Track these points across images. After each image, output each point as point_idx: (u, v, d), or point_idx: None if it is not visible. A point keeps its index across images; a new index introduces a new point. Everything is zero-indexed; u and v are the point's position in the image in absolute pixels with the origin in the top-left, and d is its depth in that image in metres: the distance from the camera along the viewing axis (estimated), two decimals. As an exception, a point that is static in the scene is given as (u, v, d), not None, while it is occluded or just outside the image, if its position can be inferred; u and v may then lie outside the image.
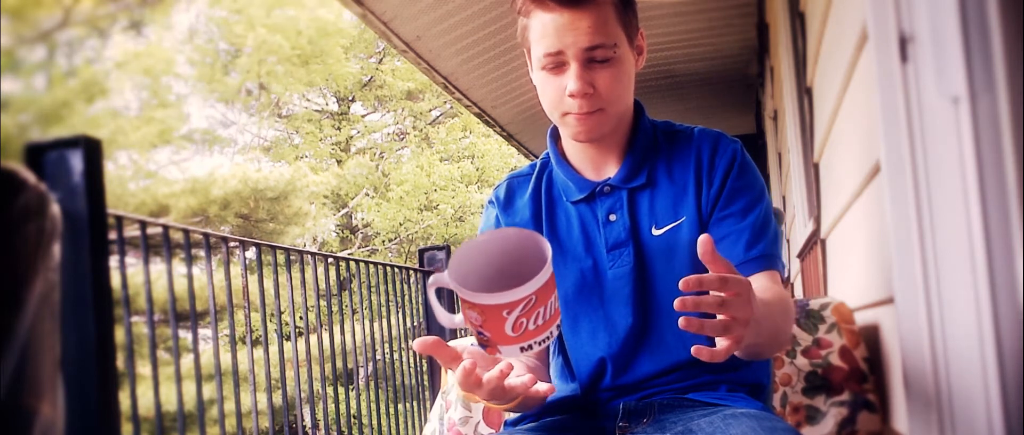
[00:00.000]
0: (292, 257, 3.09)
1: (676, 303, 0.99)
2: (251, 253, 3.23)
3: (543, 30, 1.31)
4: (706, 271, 1.35)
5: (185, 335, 9.54)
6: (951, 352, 1.09)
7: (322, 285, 3.24)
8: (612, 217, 1.41)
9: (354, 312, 3.51)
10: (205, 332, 11.04)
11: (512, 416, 1.52)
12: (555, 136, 1.49)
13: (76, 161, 1.84)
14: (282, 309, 2.94)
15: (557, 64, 1.31)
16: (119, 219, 2.14)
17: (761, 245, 1.36)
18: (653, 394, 1.38)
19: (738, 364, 1.40)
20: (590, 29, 1.29)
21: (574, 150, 1.45)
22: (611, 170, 1.43)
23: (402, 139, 19.38)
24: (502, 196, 1.52)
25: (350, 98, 18.87)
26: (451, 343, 1.18)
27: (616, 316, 1.39)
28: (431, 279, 1.16)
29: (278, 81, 17.29)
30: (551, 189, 1.48)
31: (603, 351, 1.40)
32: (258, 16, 16.96)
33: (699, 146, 1.42)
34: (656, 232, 1.39)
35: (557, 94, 1.33)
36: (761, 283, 1.33)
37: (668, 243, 1.38)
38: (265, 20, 16.89)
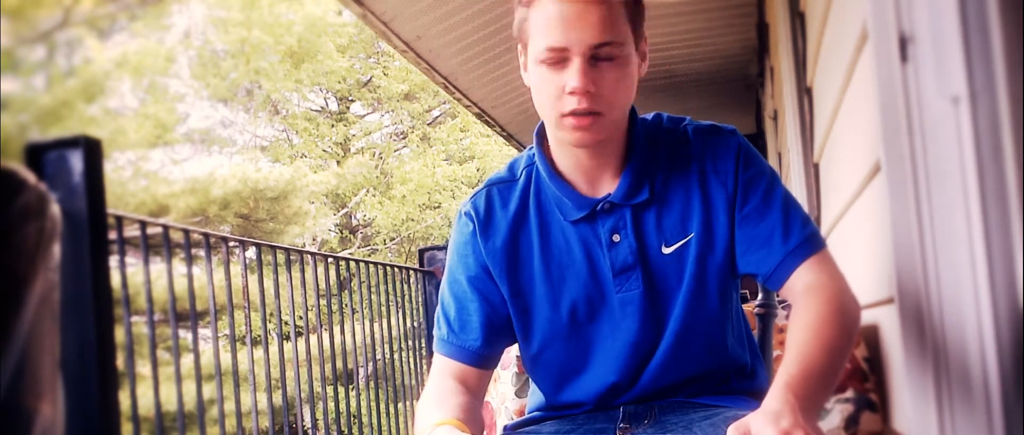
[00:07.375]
0: (292, 257, 3.09)
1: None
2: (251, 253, 3.22)
3: (547, 22, 1.21)
4: (717, 288, 1.33)
5: (185, 335, 9.53)
6: (951, 353, 1.09)
7: (322, 285, 3.24)
8: (616, 238, 1.31)
9: (354, 312, 3.51)
10: (205, 332, 11.03)
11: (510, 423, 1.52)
12: (542, 140, 1.36)
13: (76, 161, 1.83)
14: (282, 309, 2.94)
15: (559, 60, 1.21)
16: (119, 219, 2.14)
17: (795, 231, 1.27)
18: (658, 400, 1.37)
19: (741, 369, 1.40)
20: (599, 23, 1.20)
21: (566, 159, 1.33)
22: (608, 183, 1.32)
23: (402, 139, 19.37)
24: (482, 210, 1.37)
25: (349, 98, 18.86)
26: None
27: (626, 341, 1.33)
28: None
29: (270, 79, 17.26)
30: (542, 204, 1.35)
31: (613, 377, 1.35)
32: (252, 15, 16.93)
33: (699, 153, 1.32)
34: (666, 250, 1.31)
35: (555, 91, 1.22)
36: (809, 277, 1.25)
37: (679, 260, 1.31)
38: (258, 19, 16.86)
